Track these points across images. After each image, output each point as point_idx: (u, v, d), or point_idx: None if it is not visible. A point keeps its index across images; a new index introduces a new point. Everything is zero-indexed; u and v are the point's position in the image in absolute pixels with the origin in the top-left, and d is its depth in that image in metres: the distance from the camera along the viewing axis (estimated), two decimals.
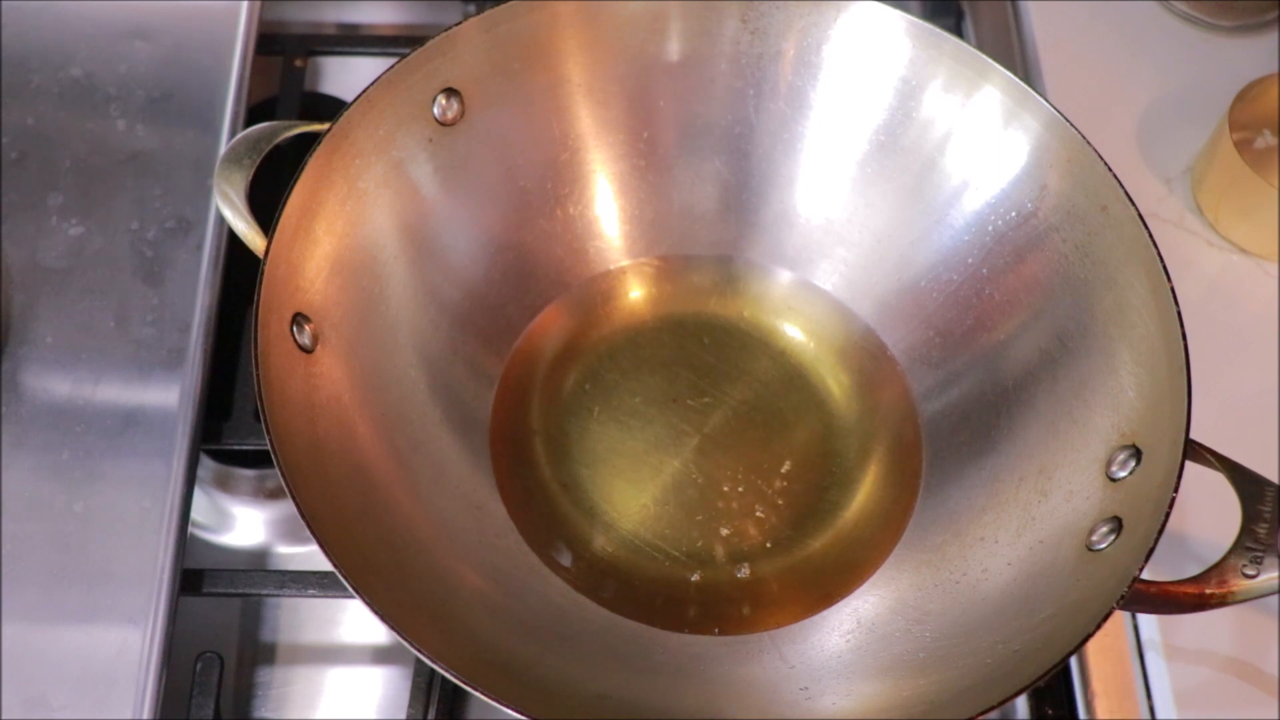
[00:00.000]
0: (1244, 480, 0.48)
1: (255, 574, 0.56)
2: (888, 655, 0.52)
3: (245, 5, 0.67)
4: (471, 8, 0.75)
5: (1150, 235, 0.51)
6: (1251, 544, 0.47)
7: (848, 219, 0.61)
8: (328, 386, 0.52)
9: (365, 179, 0.55)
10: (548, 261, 0.61)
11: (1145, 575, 0.45)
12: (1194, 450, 0.48)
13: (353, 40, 0.76)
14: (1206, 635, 0.55)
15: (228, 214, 0.52)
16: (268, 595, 0.58)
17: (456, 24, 0.56)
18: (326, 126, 0.53)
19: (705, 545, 0.56)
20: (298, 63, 0.72)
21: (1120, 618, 0.56)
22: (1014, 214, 0.57)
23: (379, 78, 0.54)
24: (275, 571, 0.57)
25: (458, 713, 0.57)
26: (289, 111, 0.70)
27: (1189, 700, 0.53)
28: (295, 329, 0.51)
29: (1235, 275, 0.65)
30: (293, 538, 0.62)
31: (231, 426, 0.60)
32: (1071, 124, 0.54)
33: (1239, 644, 0.54)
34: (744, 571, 0.56)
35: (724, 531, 0.57)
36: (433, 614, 0.49)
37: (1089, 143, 0.54)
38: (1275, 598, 0.51)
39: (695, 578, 0.56)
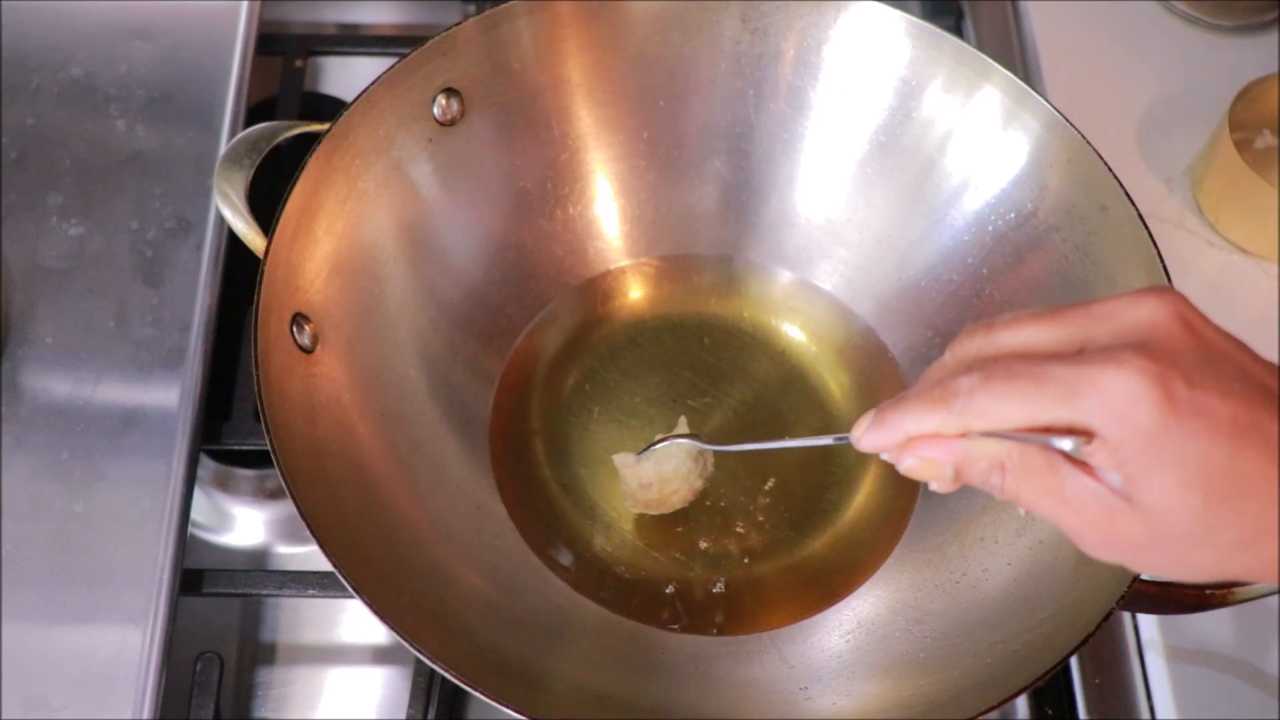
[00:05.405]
0: None
1: (255, 574, 0.56)
2: (888, 655, 0.52)
3: (245, 5, 0.67)
4: (471, 8, 0.75)
5: (1150, 235, 0.51)
6: None
7: (848, 219, 0.61)
8: (328, 386, 0.52)
9: (365, 179, 0.55)
10: (548, 261, 0.61)
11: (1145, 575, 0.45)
12: None
13: (353, 40, 0.76)
14: (1206, 635, 0.55)
15: (228, 214, 0.52)
16: (268, 595, 0.58)
17: (456, 24, 0.56)
18: (326, 126, 0.53)
19: (705, 544, 0.56)
20: (298, 63, 0.72)
21: (1120, 618, 0.56)
22: (1014, 214, 0.57)
23: (379, 78, 0.54)
24: (275, 571, 0.57)
25: (458, 713, 0.57)
26: (289, 111, 0.70)
27: (1189, 700, 0.53)
28: (295, 329, 0.51)
29: (1235, 275, 0.65)
30: (293, 538, 0.62)
31: (231, 426, 0.60)
32: (1071, 124, 0.54)
33: (1239, 644, 0.54)
34: (743, 571, 0.56)
35: (724, 531, 0.56)
36: (433, 614, 0.49)
37: (1089, 143, 0.54)
38: (1275, 598, 0.51)
39: (694, 577, 0.55)
